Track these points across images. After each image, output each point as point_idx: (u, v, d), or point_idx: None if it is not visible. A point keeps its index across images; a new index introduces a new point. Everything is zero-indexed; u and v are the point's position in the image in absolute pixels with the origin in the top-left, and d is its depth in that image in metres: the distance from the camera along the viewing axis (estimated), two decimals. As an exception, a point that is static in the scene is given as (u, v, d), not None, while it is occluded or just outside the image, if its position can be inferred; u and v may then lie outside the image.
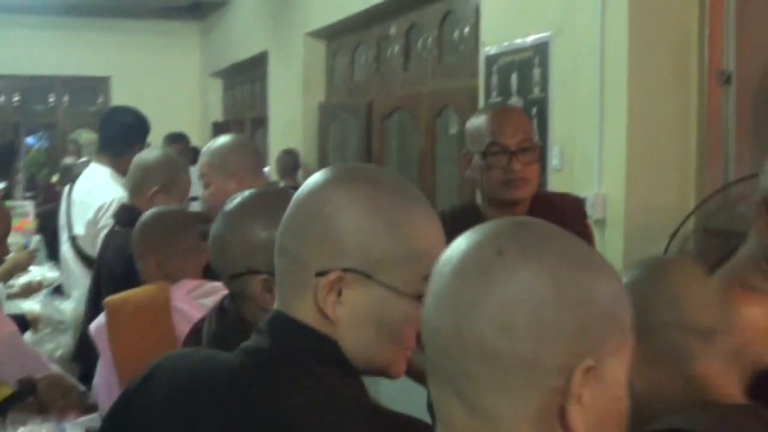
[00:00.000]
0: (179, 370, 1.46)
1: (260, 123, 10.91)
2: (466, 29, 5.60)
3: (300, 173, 8.42)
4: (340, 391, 1.34)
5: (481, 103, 4.91)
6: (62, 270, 4.52)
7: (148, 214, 2.98)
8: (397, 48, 6.74)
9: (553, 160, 4.27)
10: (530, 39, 4.44)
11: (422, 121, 6.19)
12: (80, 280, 4.19)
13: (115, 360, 2.66)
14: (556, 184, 4.26)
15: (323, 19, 8.07)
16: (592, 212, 3.89)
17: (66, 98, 13.90)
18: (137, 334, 2.65)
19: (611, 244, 3.85)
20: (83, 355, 3.49)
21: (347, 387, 1.36)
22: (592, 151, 3.95)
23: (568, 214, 2.89)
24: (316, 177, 1.42)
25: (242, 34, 11.04)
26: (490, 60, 4.83)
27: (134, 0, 12.74)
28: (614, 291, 1.12)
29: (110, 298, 2.77)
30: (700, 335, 1.64)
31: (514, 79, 4.61)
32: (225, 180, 3.14)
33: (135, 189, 3.64)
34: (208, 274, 2.81)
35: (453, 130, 5.80)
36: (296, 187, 1.50)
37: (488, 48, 4.86)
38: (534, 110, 4.43)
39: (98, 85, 13.88)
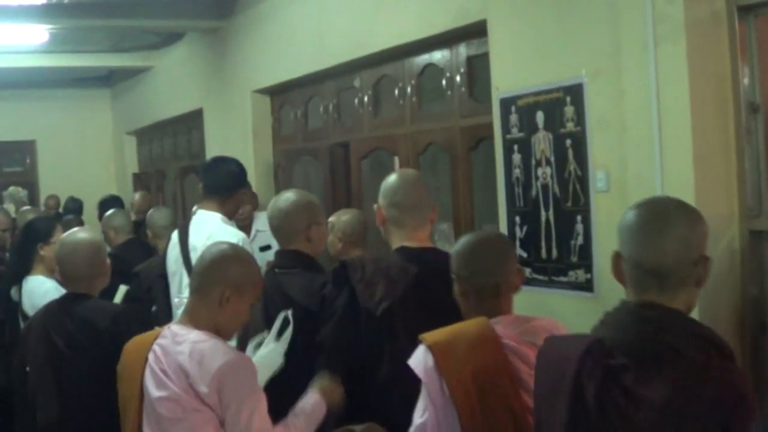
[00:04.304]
0: None
1: (189, 171, 10.35)
2: (457, 77, 5.31)
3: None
4: None
5: (498, 138, 4.63)
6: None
7: (474, 243, 2.47)
8: (365, 97, 6.37)
9: (598, 183, 4.03)
10: (559, 81, 4.19)
11: (404, 158, 5.86)
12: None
13: (455, 397, 2.21)
14: (602, 204, 4.03)
15: (270, 78, 7.69)
16: (659, 225, 3.68)
17: (-3, 160, 13.06)
18: (473, 371, 2.22)
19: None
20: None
21: None
22: (649, 172, 3.72)
23: None
24: None
25: (171, 94, 10.44)
26: (507, 102, 4.56)
27: (52, 72, 11.83)
28: None
29: (432, 339, 2.30)
30: None
31: (540, 116, 4.35)
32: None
33: (289, 235, 3.18)
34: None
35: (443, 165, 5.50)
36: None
37: (503, 92, 4.59)
38: (568, 142, 4.19)
39: (25, 147, 12.98)
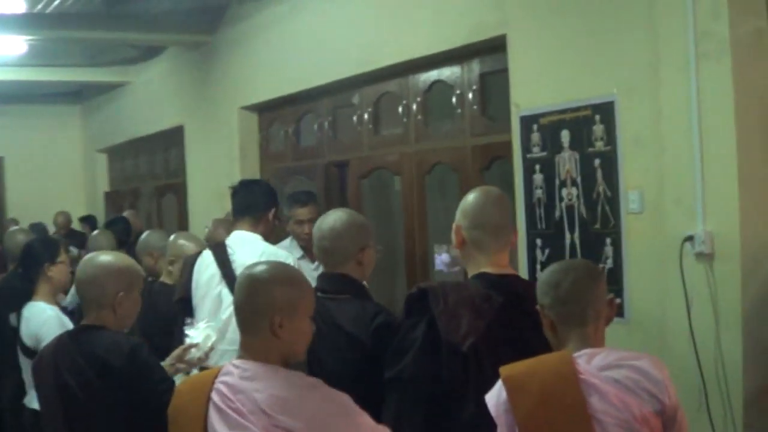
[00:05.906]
0: None
1: (167, 190, 10.10)
2: (469, 95, 5.18)
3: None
4: None
5: (517, 157, 4.51)
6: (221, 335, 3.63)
7: (556, 269, 2.36)
8: (365, 115, 6.22)
9: (631, 204, 3.91)
10: (587, 99, 4.08)
11: (407, 178, 5.71)
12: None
13: None
14: (634, 226, 3.90)
15: (259, 95, 7.52)
16: (701, 248, 3.56)
17: (-36, 177, 12.66)
18: (545, 407, 2.06)
19: (722, 277, 3.52)
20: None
21: None
22: (690, 193, 3.61)
23: None
24: None
25: (148, 111, 10.20)
26: (527, 120, 4.44)
27: (21, 87, 11.48)
28: None
29: (509, 372, 2.14)
30: None
31: (565, 135, 4.23)
32: None
33: (341, 258, 2.93)
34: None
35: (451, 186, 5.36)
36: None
37: (523, 110, 4.47)
38: (596, 161, 4.07)
39: (-8, 164, 12.72)
